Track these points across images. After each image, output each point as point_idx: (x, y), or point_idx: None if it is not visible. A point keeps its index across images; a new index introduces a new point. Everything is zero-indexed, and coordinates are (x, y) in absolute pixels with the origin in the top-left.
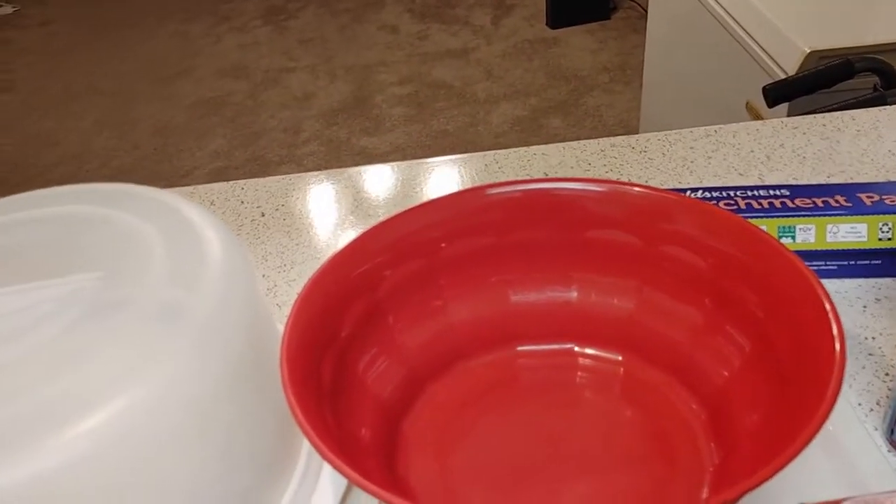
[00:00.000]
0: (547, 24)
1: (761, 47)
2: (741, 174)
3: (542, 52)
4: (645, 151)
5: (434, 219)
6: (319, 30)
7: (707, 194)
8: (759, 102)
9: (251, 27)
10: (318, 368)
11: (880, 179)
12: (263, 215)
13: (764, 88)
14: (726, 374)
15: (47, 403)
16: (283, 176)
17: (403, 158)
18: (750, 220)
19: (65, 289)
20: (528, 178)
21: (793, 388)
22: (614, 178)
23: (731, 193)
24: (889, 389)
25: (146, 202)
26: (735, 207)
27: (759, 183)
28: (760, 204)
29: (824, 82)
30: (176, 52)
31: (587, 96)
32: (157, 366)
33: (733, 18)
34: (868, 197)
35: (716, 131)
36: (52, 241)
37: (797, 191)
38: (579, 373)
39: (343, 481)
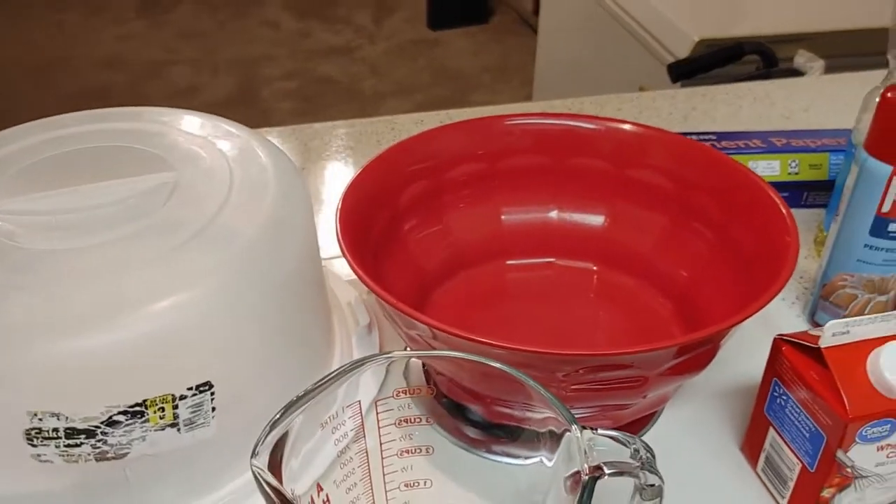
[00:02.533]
0: (427, 25)
1: (653, 37)
2: None
3: (424, 52)
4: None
5: (443, 144)
6: (198, 24)
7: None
8: (651, 85)
9: (127, 19)
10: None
11: None
12: None
13: (669, 66)
14: (686, 273)
15: (123, 288)
16: None
17: None
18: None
19: (144, 185)
20: (528, 112)
21: (754, 271)
22: None
23: (707, 136)
24: (804, 289)
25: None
26: None
27: None
28: (730, 144)
29: (719, 62)
30: (50, 42)
31: (472, 94)
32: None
33: (625, 11)
34: (778, 140)
35: (638, 97)
36: (124, 149)
37: (722, 136)
38: (560, 280)
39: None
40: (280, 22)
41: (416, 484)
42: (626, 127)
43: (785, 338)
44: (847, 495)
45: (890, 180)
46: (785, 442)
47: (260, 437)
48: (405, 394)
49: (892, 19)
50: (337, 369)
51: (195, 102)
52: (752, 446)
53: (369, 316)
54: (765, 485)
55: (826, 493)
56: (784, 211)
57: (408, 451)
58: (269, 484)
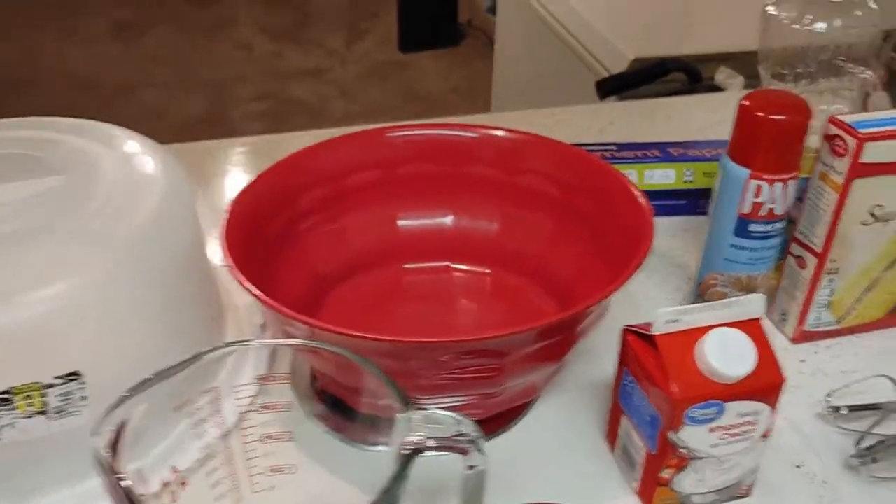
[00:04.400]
0: (399, 48)
1: (594, 56)
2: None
3: (394, 74)
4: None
5: (340, 153)
6: (172, 46)
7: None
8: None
9: (100, 41)
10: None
11: None
12: None
13: (596, 83)
14: (568, 272)
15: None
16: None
17: None
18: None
19: (35, 188)
20: (415, 122)
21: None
22: None
23: (607, 147)
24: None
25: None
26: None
27: None
28: (628, 154)
29: (644, 79)
30: (22, 63)
31: (439, 115)
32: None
33: (568, 31)
34: (675, 150)
35: (560, 111)
36: (19, 156)
37: (623, 146)
38: (454, 282)
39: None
40: (253, 44)
41: (282, 469)
42: (500, 133)
43: (631, 328)
44: (686, 476)
45: (747, 183)
46: (633, 427)
47: (101, 416)
48: (266, 381)
49: (760, 39)
50: (189, 357)
51: (164, 124)
52: (611, 434)
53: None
54: (622, 470)
55: (665, 474)
56: (644, 204)
57: (270, 437)
58: (106, 462)
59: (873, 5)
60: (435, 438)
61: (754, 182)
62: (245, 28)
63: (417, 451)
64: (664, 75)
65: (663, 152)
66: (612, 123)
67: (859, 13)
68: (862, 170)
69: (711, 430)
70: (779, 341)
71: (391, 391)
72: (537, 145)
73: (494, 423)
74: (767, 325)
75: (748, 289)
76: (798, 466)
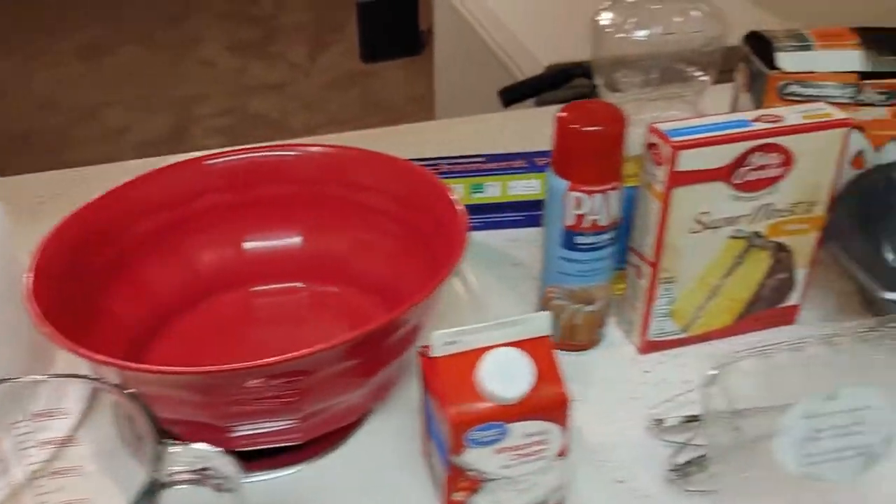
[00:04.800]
0: (361, 59)
1: (514, 62)
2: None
3: (357, 84)
4: (405, 137)
5: (167, 183)
6: (137, 66)
7: (422, 162)
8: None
9: (66, 62)
10: (64, 294)
11: None
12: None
13: (499, 91)
14: (409, 284)
15: None
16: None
17: None
18: (448, 179)
19: None
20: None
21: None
22: None
23: (438, 162)
24: None
25: None
26: (439, 171)
27: None
28: (459, 167)
29: (546, 86)
30: None
31: (399, 124)
32: None
33: (494, 40)
34: (540, 160)
35: (470, 120)
36: None
37: (491, 157)
38: (302, 303)
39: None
40: (218, 60)
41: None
42: (316, 150)
43: (425, 349)
44: (481, 499)
45: (567, 195)
46: (435, 449)
47: None
48: (42, 417)
49: (591, 49)
50: None
51: (126, 142)
52: (425, 454)
53: None
54: (435, 493)
55: (458, 497)
56: (458, 208)
57: (58, 473)
58: None
59: (694, 13)
60: (187, 472)
61: (573, 194)
62: (210, 45)
63: (165, 484)
64: (567, 81)
65: (529, 162)
66: (501, 132)
67: (679, 20)
68: (679, 178)
69: (498, 451)
70: (627, 351)
71: (145, 422)
72: (358, 160)
73: (319, 444)
74: (618, 336)
75: (585, 300)
76: (621, 481)
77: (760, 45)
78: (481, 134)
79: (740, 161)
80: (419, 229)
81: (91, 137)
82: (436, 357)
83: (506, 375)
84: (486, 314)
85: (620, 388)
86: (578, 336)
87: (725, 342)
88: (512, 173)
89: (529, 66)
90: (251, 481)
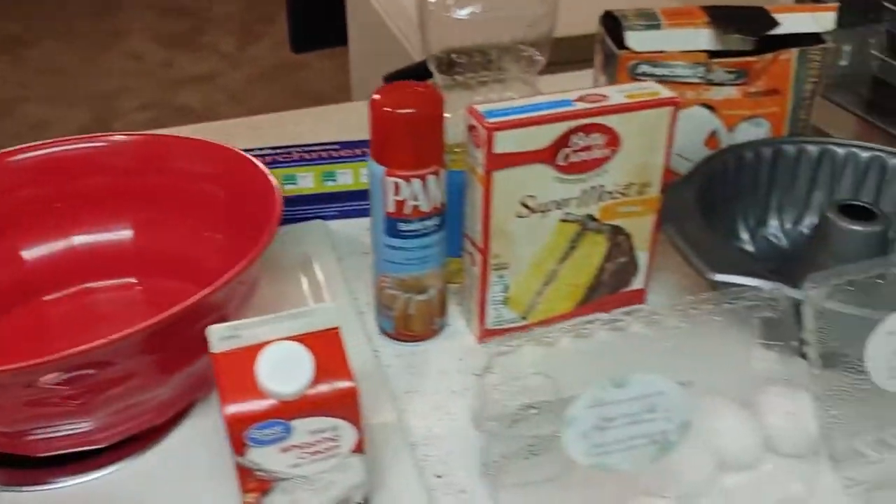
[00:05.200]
0: (291, 49)
1: (418, 51)
2: None
3: (286, 75)
4: (258, 129)
5: None
6: (59, 59)
7: (270, 150)
8: None
9: None
10: None
11: None
12: None
13: (384, 77)
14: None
15: None
16: None
17: None
18: (300, 167)
19: None
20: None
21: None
22: None
23: (290, 150)
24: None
25: None
26: (290, 158)
27: None
28: (311, 155)
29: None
30: None
31: None
32: None
33: (400, 30)
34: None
35: (323, 110)
36: None
37: (344, 144)
38: (101, 302)
39: None
40: (144, 53)
41: None
42: (120, 138)
43: None
44: (276, 499)
45: (385, 181)
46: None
47: None
48: None
49: (420, 31)
50: None
51: (44, 138)
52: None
53: None
54: None
55: (249, 498)
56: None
57: None
58: None
59: None
60: None
61: (391, 179)
62: (138, 38)
63: None
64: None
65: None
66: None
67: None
68: (498, 161)
69: (284, 450)
70: (467, 341)
71: None
72: (174, 148)
73: (132, 445)
74: (460, 325)
75: (417, 289)
76: (439, 476)
77: (613, 25)
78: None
79: (562, 142)
80: (244, 216)
81: (11, 132)
82: (215, 353)
83: (284, 371)
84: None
85: (455, 379)
86: (413, 326)
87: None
88: (363, 160)
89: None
90: (56, 487)
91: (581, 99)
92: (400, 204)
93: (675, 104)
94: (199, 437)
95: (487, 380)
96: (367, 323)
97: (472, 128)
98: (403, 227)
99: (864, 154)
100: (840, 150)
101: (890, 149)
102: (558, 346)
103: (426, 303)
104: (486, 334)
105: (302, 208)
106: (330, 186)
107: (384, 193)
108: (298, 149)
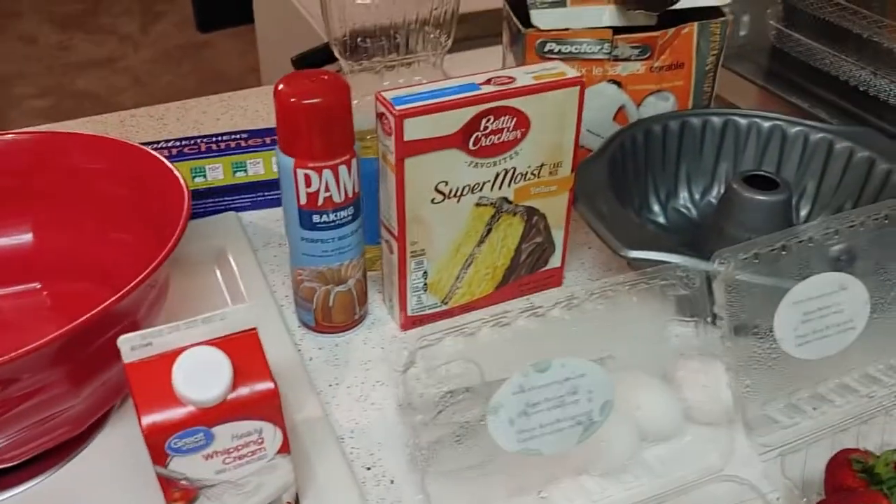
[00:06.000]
0: (196, 28)
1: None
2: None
3: (192, 56)
4: (162, 118)
5: None
6: None
7: (176, 142)
8: None
9: None
10: None
11: None
12: None
13: (292, 59)
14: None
15: None
16: None
17: None
18: (209, 159)
19: None
20: None
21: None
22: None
23: (197, 140)
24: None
25: None
26: (197, 150)
27: None
28: (220, 146)
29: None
30: None
31: None
32: None
33: (306, 9)
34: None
35: (229, 97)
36: None
37: (253, 133)
38: (42, 306)
39: None
40: (38, 36)
41: None
42: (10, 137)
43: None
44: None
45: (294, 173)
46: None
47: None
48: None
49: (322, 16)
50: None
51: None
52: None
53: None
54: None
55: None
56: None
57: None
58: None
59: None
60: None
61: (301, 171)
62: (30, 19)
63: None
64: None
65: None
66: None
67: None
68: (409, 148)
69: (207, 456)
70: (390, 329)
71: None
72: (69, 145)
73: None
74: (382, 313)
75: (336, 281)
76: (368, 468)
77: (518, 2)
78: (255, 108)
79: (472, 127)
80: (151, 214)
81: None
82: (128, 364)
83: (201, 377)
84: (241, 301)
85: (379, 368)
86: (334, 318)
87: (489, 311)
88: (272, 149)
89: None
90: None
91: (488, 82)
92: (312, 196)
93: (582, 84)
94: (120, 445)
95: (410, 372)
96: (287, 316)
97: (381, 115)
98: (317, 219)
99: (766, 124)
100: (743, 121)
101: (789, 117)
102: (479, 337)
103: (346, 294)
104: (409, 321)
105: (213, 200)
106: (241, 177)
107: (295, 186)
108: (206, 139)
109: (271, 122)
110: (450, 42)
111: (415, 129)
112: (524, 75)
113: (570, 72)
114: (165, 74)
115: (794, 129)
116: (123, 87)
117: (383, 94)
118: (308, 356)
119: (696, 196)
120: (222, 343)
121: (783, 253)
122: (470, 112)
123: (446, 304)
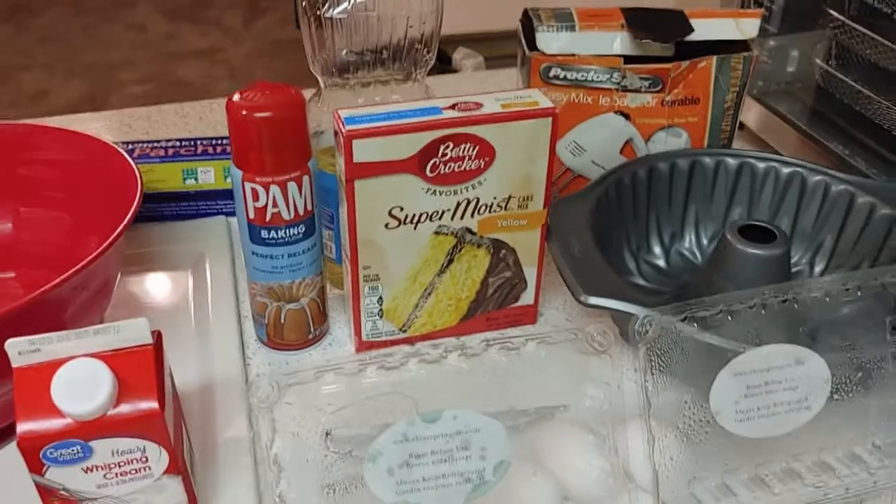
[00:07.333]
0: (296, 26)
1: None
2: None
3: (287, 52)
4: (186, 116)
5: None
6: (63, 28)
7: (176, 143)
8: None
9: None
10: None
11: None
12: None
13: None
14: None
15: None
16: None
17: None
18: (202, 161)
19: None
20: None
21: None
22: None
23: (195, 142)
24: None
25: None
26: (193, 151)
27: None
28: (215, 149)
29: None
30: None
31: None
32: None
33: None
34: None
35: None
36: None
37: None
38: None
39: None
40: (147, 25)
41: None
42: None
43: None
44: None
45: (242, 186)
46: None
47: None
48: None
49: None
50: None
51: (42, 107)
52: None
53: None
54: None
55: None
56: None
57: None
58: None
59: None
60: None
61: (248, 185)
62: (142, 8)
63: None
64: None
65: None
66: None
67: None
68: (359, 169)
69: (87, 469)
70: (346, 352)
71: None
72: (36, 132)
73: None
74: (341, 334)
75: (289, 298)
76: (282, 500)
77: (529, 23)
78: None
79: (429, 152)
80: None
81: (8, 101)
82: (15, 368)
83: (80, 389)
84: (204, 309)
85: (319, 392)
86: (286, 335)
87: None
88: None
89: None
90: None
91: (453, 107)
92: (260, 211)
93: (554, 115)
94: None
95: (280, 410)
96: (247, 329)
97: (336, 133)
98: (266, 234)
99: (786, 170)
100: (761, 165)
101: (812, 164)
102: (362, 378)
103: (299, 312)
104: (364, 346)
105: (205, 203)
106: (229, 183)
107: (244, 199)
108: (204, 141)
109: None
110: (432, 60)
111: (365, 151)
112: (493, 102)
113: (544, 101)
114: (258, 69)
115: (815, 178)
116: (220, 77)
117: (340, 111)
118: (256, 372)
119: (704, 241)
120: (111, 357)
121: (728, 318)
122: (427, 137)
123: (405, 332)
